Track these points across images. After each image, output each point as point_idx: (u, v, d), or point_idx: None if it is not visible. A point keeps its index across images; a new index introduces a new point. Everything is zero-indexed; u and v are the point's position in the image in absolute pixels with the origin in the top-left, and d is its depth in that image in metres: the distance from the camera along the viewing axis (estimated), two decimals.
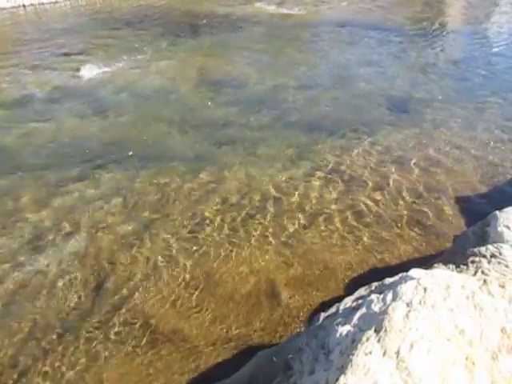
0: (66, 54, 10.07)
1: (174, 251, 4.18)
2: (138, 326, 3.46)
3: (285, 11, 13.48)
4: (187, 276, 3.91)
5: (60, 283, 3.85)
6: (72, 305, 3.67)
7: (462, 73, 8.41)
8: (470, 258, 3.02)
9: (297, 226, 4.43)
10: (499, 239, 3.02)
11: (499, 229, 3.07)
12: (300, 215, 4.58)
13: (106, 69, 8.91)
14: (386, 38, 10.66)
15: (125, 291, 3.79)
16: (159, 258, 4.11)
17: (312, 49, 10.17)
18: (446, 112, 6.76)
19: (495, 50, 9.72)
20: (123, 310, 3.59)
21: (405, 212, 4.59)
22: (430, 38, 10.75)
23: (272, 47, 10.15)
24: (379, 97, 7.32)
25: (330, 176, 5.25)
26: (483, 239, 3.20)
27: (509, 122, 6.39)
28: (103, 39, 11.08)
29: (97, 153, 5.86)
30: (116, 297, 3.73)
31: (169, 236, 4.37)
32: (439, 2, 15.03)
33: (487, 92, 7.47)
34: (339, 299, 3.14)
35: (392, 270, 3.37)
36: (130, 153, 5.81)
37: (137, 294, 3.76)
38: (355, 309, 2.54)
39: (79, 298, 3.73)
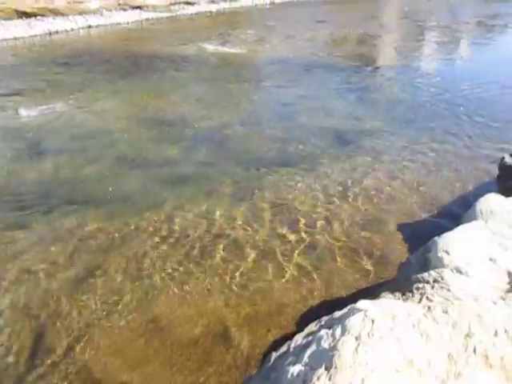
0: (2, 95, 9.70)
1: (117, 297, 3.96)
2: (80, 381, 3.21)
3: (227, 50, 13.83)
4: (133, 323, 3.70)
5: None
6: (10, 360, 3.37)
7: (398, 105, 8.90)
8: (415, 285, 3.08)
9: (245, 263, 4.37)
10: (440, 264, 3.11)
11: (439, 254, 3.16)
12: (248, 252, 4.53)
13: (47, 109, 8.64)
14: (324, 74, 11.15)
15: (65, 343, 3.53)
16: (102, 305, 3.89)
17: (254, 86, 10.43)
18: (385, 142, 7.07)
19: (428, 81, 10.40)
20: (64, 365, 3.33)
21: (350, 242, 4.66)
22: (367, 74, 11.36)
23: (215, 85, 10.31)
24: (320, 130, 7.55)
25: (275, 211, 5.26)
26: (426, 265, 3.28)
27: (446, 151, 6.76)
28: (44, 79, 10.81)
29: (34, 198, 5.57)
30: (56, 350, 3.46)
31: (112, 281, 4.16)
32: (372, 39, 16.02)
33: (423, 121, 7.92)
34: (291, 336, 3.08)
35: (341, 302, 3.36)
36: (70, 196, 5.58)
37: (78, 345, 3.50)
38: (306, 346, 2.50)
39: (16, 352, 3.43)
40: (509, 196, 4.00)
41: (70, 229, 4.98)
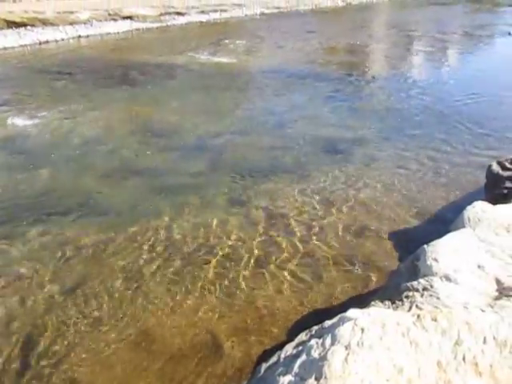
0: None
1: (107, 309, 3.93)
2: None
3: (217, 60, 13.90)
4: (122, 335, 3.66)
5: None
6: None
7: (388, 113, 8.99)
8: (404, 293, 3.09)
9: (235, 272, 4.36)
10: (429, 272, 3.13)
11: (428, 262, 3.18)
12: (239, 262, 4.52)
13: (36, 119, 8.60)
14: (315, 84, 11.24)
15: (52, 356, 3.47)
16: (91, 317, 3.84)
17: (245, 96, 10.48)
18: (375, 150, 7.13)
19: (417, 90, 10.54)
20: (51, 378, 3.28)
21: (341, 251, 4.67)
22: (356, 83, 11.48)
23: (205, 95, 10.34)
24: (312, 139, 7.59)
25: (266, 220, 5.27)
26: (415, 273, 3.29)
27: (435, 158, 6.83)
28: (33, 89, 10.76)
29: (23, 208, 5.52)
30: (43, 363, 3.41)
31: (101, 293, 4.12)
32: (361, 49, 16.21)
33: (412, 129, 8.01)
34: (281, 346, 3.07)
35: (332, 311, 3.37)
36: (61, 207, 5.54)
37: (66, 358, 3.46)
38: (296, 356, 2.48)
39: (1, 364, 3.38)
40: (496, 204, 4.05)
41: (60, 240, 4.93)
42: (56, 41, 16.82)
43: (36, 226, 5.17)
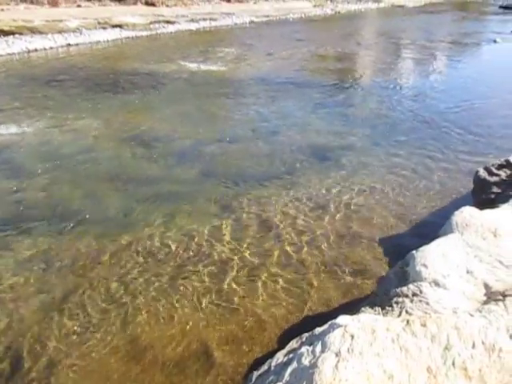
0: None
1: (96, 319, 3.89)
2: None
3: (207, 68, 13.93)
4: (112, 345, 3.63)
5: None
6: None
7: (376, 120, 9.07)
8: (394, 299, 3.11)
9: (226, 281, 4.35)
10: (418, 278, 3.15)
11: (417, 268, 3.20)
12: (229, 270, 4.51)
13: (25, 128, 8.52)
14: (303, 91, 11.31)
15: (42, 366, 3.44)
16: (80, 327, 3.80)
17: (234, 103, 10.50)
18: (363, 157, 7.18)
19: (405, 97, 10.65)
20: None
21: (331, 258, 4.68)
22: (345, 90, 11.57)
23: (195, 103, 10.35)
24: (300, 146, 7.63)
25: (256, 228, 5.27)
26: (404, 279, 3.31)
27: (424, 164, 6.90)
28: (21, 98, 10.66)
29: (11, 218, 5.46)
30: (32, 374, 3.37)
31: (91, 302, 4.08)
32: (349, 57, 16.37)
33: (401, 135, 8.10)
34: (272, 354, 3.06)
35: (323, 318, 3.36)
36: (49, 216, 5.48)
37: (56, 368, 3.42)
38: (287, 364, 2.48)
39: None
40: (483, 208, 4.09)
41: (48, 249, 4.88)
42: (45, 49, 16.72)
43: (24, 236, 5.12)
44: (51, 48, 17.04)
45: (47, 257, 4.76)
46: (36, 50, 16.52)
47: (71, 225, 5.33)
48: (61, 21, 18.28)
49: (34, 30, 17.29)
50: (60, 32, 17.91)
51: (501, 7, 32.73)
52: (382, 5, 33.90)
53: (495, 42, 18.41)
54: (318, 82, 12.13)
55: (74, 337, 3.72)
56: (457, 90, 11.45)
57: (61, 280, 4.41)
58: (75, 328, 3.80)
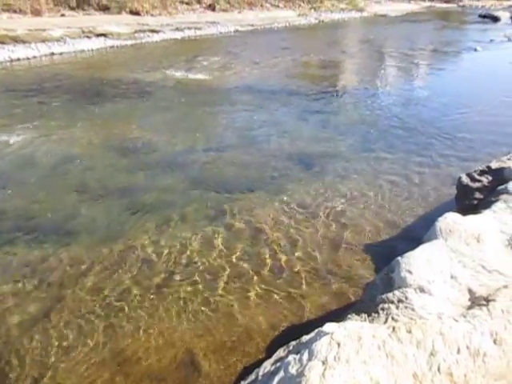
0: None
1: (81, 331, 3.83)
2: None
3: (192, 77, 13.94)
4: (98, 357, 3.58)
5: None
6: None
7: (361, 127, 9.16)
8: (380, 305, 3.12)
9: (212, 290, 4.33)
10: (403, 284, 3.17)
11: (402, 274, 3.22)
12: (215, 279, 4.49)
13: (5, 138, 8.41)
14: (289, 99, 11.39)
15: (28, 380, 3.37)
16: (66, 339, 3.74)
17: (219, 112, 10.52)
18: (349, 164, 7.25)
19: (389, 104, 10.80)
20: None
21: (318, 264, 4.70)
22: (330, 98, 11.68)
23: (180, 111, 10.34)
24: (286, 154, 7.67)
25: (242, 236, 5.26)
26: (390, 285, 3.33)
27: (409, 170, 6.99)
28: (3, 107, 10.54)
29: None
30: None
31: (76, 313, 4.03)
32: (334, 65, 16.55)
33: (385, 142, 8.20)
34: (260, 363, 3.04)
35: (311, 326, 3.36)
36: (30, 227, 5.40)
37: (42, 382, 3.35)
38: (274, 373, 2.47)
39: None
40: (466, 214, 4.15)
41: (30, 261, 4.80)
42: (28, 58, 16.56)
43: (5, 247, 5.03)
44: (34, 57, 16.89)
45: (30, 269, 4.68)
46: (19, 60, 16.35)
47: (55, 236, 5.25)
48: (44, 30, 18.13)
49: (16, 39, 17.11)
50: (43, 41, 17.75)
51: (480, 16, 33.46)
52: (364, 14, 34.35)
53: (476, 50, 18.78)
54: (304, 90, 12.22)
55: (58, 350, 3.65)
56: (440, 97, 11.63)
57: (44, 292, 4.34)
58: (59, 341, 3.74)
